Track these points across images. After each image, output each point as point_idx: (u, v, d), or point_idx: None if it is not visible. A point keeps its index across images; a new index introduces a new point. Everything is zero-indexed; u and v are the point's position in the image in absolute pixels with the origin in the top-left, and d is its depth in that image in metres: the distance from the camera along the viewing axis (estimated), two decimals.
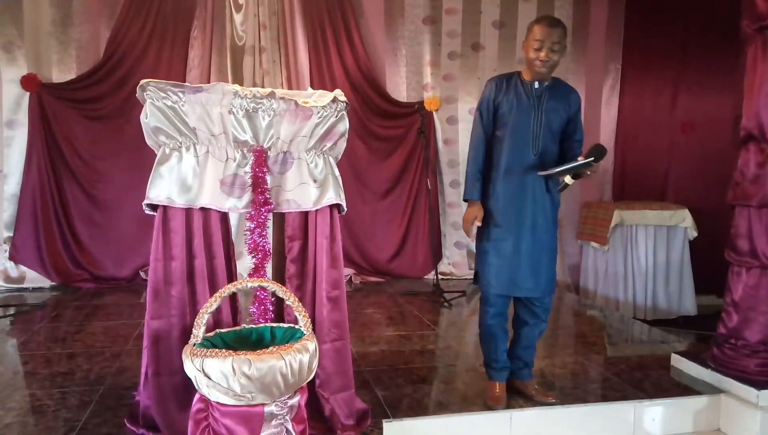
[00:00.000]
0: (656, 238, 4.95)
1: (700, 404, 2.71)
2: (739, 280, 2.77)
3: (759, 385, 2.62)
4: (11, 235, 4.60)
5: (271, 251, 2.17)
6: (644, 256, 4.94)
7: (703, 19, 5.41)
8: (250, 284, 1.95)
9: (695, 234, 4.98)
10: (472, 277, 2.75)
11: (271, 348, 1.75)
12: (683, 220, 4.94)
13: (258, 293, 2.11)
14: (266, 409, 1.74)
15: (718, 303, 3.91)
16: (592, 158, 2.34)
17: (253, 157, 2.14)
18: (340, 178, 2.30)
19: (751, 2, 2.67)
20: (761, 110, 2.65)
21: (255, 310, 2.12)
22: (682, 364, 3.04)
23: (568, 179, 2.45)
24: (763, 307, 2.69)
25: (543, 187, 2.51)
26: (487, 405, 2.58)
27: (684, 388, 2.82)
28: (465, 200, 2.59)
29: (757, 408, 2.57)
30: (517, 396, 2.66)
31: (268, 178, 2.16)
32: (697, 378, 2.90)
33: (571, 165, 2.39)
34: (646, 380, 2.91)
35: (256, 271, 2.12)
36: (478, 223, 2.54)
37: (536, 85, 2.52)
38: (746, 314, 2.73)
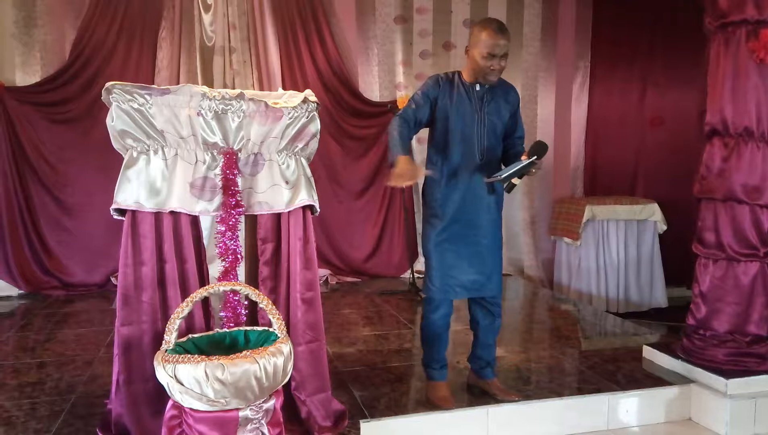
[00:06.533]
0: (627, 233, 5.04)
1: (672, 394, 2.76)
2: (707, 271, 2.83)
3: (727, 374, 2.68)
4: None
5: (242, 254, 2.15)
6: (615, 250, 5.02)
7: (670, 15, 5.51)
8: (222, 288, 1.93)
9: (665, 227, 5.07)
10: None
11: (244, 352, 1.74)
12: (653, 214, 5.03)
13: (229, 297, 2.09)
14: (241, 413, 1.73)
15: (688, 294, 3.98)
16: (536, 157, 2.34)
17: (223, 160, 2.12)
18: (312, 179, 2.29)
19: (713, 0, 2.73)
20: (725, 105, 2.71)
21: (225, 314, 2.10)
22: (653, 355, 3.09)
23: (515, 180, 2.43)
24: (730, 297, 2.76)
25: (486, 188, 2.50)
26: (436, 406, 2.53)
27: (656, 379, 2.87)
28: (391, 165, 2.31)
29: (725, 397, 2.63)
30: (481, 395, 2.65)
31: (239, 180, 2.14)
32: (669, 369, 2.95)
33: (516, 167, 2.37)
34: (619, 372, 2.95)
35: (226, 274, 2.10)
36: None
37: (477, 87, 2.50)
38: (714, 305, 2.80)
